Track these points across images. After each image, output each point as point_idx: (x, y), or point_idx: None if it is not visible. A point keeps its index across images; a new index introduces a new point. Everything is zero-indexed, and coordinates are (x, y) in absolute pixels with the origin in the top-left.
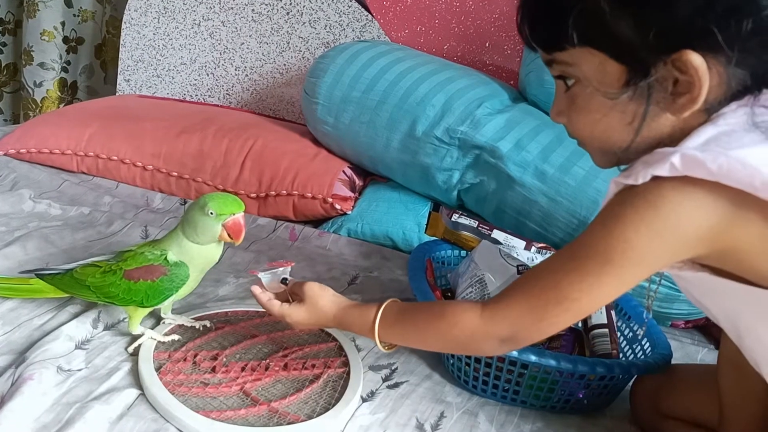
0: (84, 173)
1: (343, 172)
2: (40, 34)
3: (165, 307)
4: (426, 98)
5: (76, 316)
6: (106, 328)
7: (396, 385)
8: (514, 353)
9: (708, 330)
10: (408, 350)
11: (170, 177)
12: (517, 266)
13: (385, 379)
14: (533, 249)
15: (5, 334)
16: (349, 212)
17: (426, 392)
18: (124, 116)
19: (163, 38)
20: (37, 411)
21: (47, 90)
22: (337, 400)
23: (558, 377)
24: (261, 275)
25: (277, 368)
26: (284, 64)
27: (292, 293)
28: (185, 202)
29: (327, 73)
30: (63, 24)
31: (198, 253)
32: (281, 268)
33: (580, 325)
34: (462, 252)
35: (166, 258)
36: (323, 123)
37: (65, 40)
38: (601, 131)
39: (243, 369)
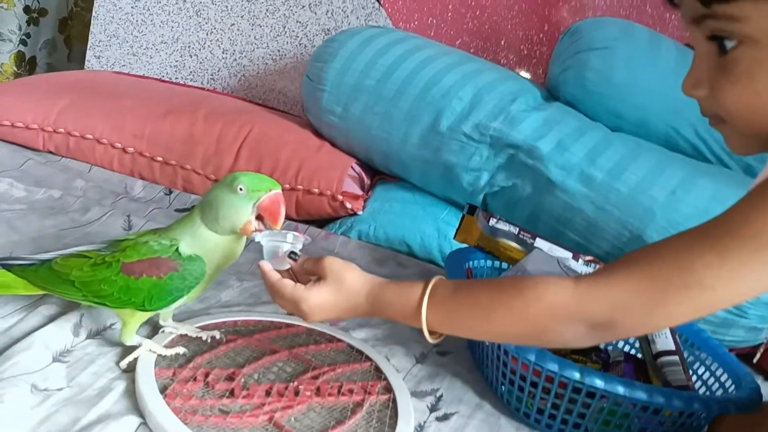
0: (51, 152)
1: (352, 167)
2: None
3: (165, 313)
4: (452, 90)
5: (51, 319)
6: (91, 335)
7: (446, 417)
8: (594, 381)
9: (758, 363)
10: (451, 374)
11: (154, 162)
12: None
13: (432, 409)
14: (580, 261)
15: None
16: (360, 212)
17: (480, 425)
18: (100, 91)
19: (142, 12)
20: None
21: (2, 64)
22: None
23: (631, 410)
24: (261, 238)
25: (308, 393)
26: (278, 50)
27: (305, 273)
28: (170, 192)
29: (336, 57)
30: None
31: (217, 246)
32: (291, 234)
33: (640, 352)
34: (496, 263)
35: (177, 249)
36: (329, 113)
37: (26, 9)
38: (764, 105)
39: (268, 393)
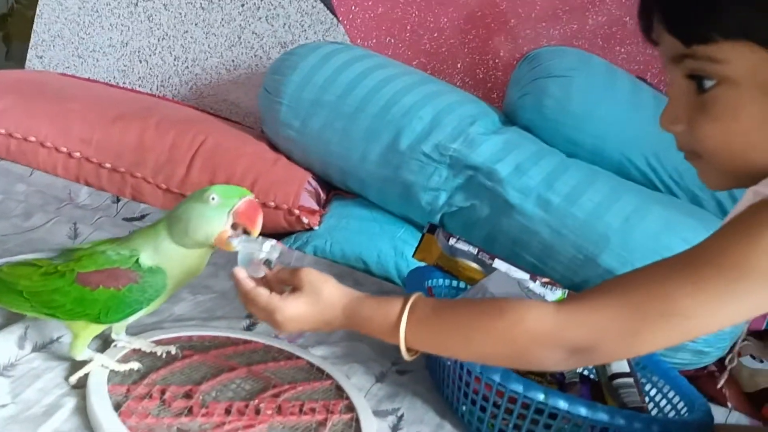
0: None
1: (308, 182)
2: None
3: (118, 326)
4: (412, 110)
5: None
6: (36, 348)
7: None
8: (558, 402)
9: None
10: (411, 393)
11: (102, 169)
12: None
13: (393, 429)
14: (537, 282)
15: None
16: (316, 228)
17: None
18: (45, 92)
19: (90, 14)
20: None
21: None
22: None
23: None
24: (237, 244)
25: (270, 411)
26: (232, 60)
27: (279, 282)
28: (118, 200)
29: (296, 71)
30: None
31: (181, 260)
32: (268, 241)
33: (593, 374)
34: (454, 282)
35: (137, 261)
36: (287, 126)
37: None
38: (741, 144)
39: (228, 412)
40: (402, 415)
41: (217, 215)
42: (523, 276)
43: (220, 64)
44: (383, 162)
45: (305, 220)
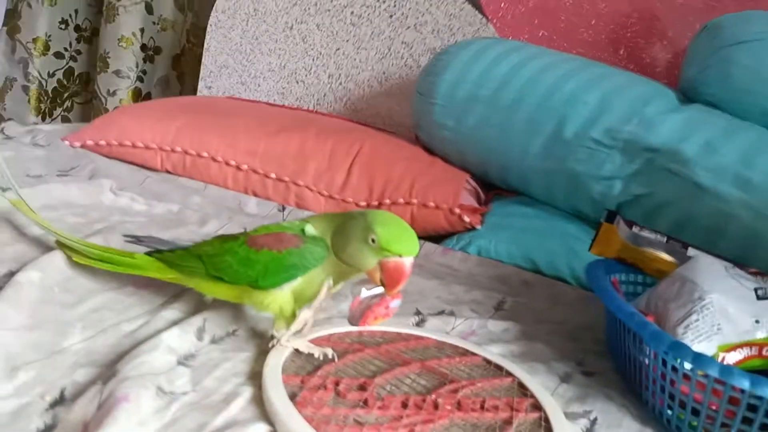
0: (169, 172)
1: (467, 181)
2: (118, 40)
3: (280, 321)
4: (576, 95)
5: (175, 323)
6: (214, 341)
7: None
8: None
9: None
10: (603, 396)
11: (267, 179)
12: (755, 289)
13: None
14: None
15: (86, 341)
16: (478, 227)
17: None
18: (213, 112)
19: (251, 42)
20: None
21: (120, 99)
22: None
23: None
24: (366, 291)
25: (449, 407)
26: (383, 72)
27: None
28: (284, 208)
29: (448, 69)
30: (142, 31)
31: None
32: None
33: None
34: (640, 277)
35: (302, 229)
36: (441, 127)
37: (143, 47)
38: None
39: (404, 405)
40: (595, 419)
41: (371, 257)
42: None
43: (371, 77)
44: (547, 154)
45: (467, 219)
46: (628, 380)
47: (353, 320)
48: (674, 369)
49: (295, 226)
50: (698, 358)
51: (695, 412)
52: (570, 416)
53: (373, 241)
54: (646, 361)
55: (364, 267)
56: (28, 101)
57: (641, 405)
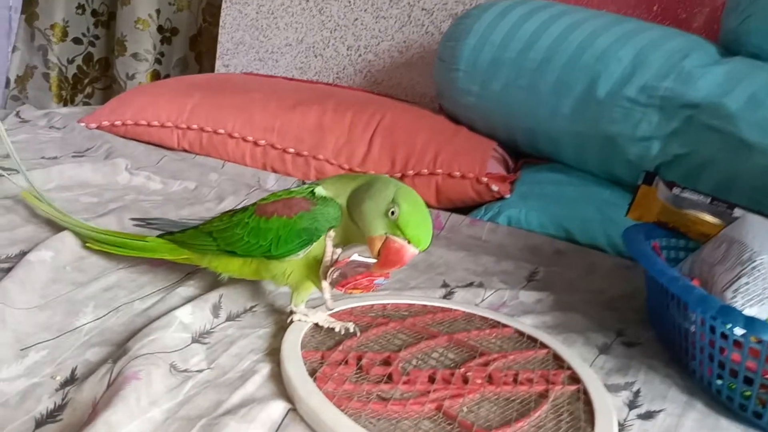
0: (186, 150)
1: (494, 149)
2: (135, 22)
3: (298, 296)
4: (608, 52)
5: (189, 300)
6: (231, 318)
7: (650, 415)
8: None
9: None
10: (646, 367)
11: (286, 154)
12: None
13: (630, 406)
14: None
15: (98, 320)
16: (507, 196)
17: (697, 427)
18: (229, 88)
19: (266, 17)
20: (144, 427)
21: (139, 83)
22: None
23: None
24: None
25: (479, 381)
26: (404, 41)
27: None
28: (304, 183)
29: (470, 33)
30: (158, 12)
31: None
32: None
33: None
34: (682, 241)
35: (312, 191)
36: (465, 93)
37: (160, 29)
38: None
39: (432, 380)
40: (638, 391)
41: (380, 227)
42: None
43: (391, 47)
44: (578, 116)
45: (495, 188)
46: (673, 350)
47: (332, 277)
48: (724, 336)
49: (304, 189)
50: (750, 323)
51: (748, 381)
52: (611, 388)
53: (392, 213)
54: (693, 329)
55: (369, 231)
56: (49, 88)
57: (687, 375)
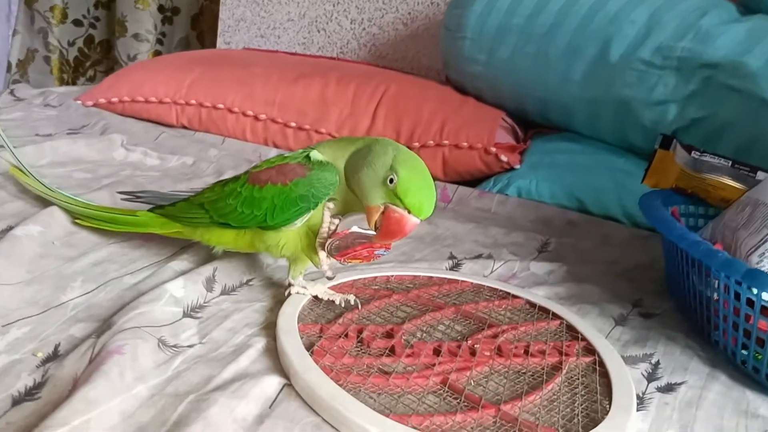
0: (185, 127)
1: (503, 119)
2: (135, 2)
3: (296, 269)
4: (621, 14)
5: (182, 273)
6: (225, 291)
7: (670, 388)
8: None
9: None
10: (665, 338)
11: (287, 128)
12: None
13: (649, 378)
14: None
15: (85, 295)
16: (517, 167)
17: (721, 400)
18: (229, 63)
19: None
20: (128, 404)
21: None
22: (603, 406)
23: None
24: (357, 229)
25: (487, 353)
26: (408, 13)
27: None
28: None
29: (476, 0)
30: None
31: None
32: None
33: None
34: (701, 208)
35: (307, 156)
36: (472, 62)
37: (160, 9)
38: None
39: (437, 352)
40: (657, 363)
41: (378, 197)
42: None
43: (396, 19)
44: (590, 81)
45: (504, 158)
46: (694, 320)
47: (330, 247)
48: (750, 302)
49: (299, 154)
50: None
51: None
52: (628, 360)
53: (390, 181)
54: (716, 296)
55: (367, 201)
56: (51, 71)
57: (710, 346)
